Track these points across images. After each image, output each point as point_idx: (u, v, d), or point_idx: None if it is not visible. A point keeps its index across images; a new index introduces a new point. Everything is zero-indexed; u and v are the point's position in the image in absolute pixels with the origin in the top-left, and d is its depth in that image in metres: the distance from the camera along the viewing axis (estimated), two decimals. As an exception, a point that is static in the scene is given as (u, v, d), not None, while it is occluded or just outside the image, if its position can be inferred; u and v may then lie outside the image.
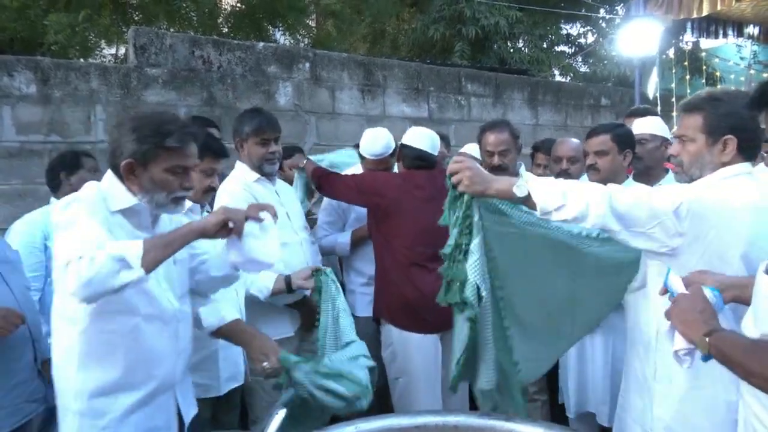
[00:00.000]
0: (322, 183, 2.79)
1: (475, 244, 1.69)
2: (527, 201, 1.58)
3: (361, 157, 2.96)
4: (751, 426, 1.23)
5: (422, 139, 2.72)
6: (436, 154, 2.76)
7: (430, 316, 2.43)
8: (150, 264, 1.38)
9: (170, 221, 1.71)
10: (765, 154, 2.55)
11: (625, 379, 1.93)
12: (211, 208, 2.33)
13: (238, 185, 2.55)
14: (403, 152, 2.72)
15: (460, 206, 1.69)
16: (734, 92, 1.68)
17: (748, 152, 1.66)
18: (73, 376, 1.52)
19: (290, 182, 3.05)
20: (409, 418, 1.53)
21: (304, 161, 3.00)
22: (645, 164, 2.75)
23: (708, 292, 1.25)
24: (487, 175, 1.65)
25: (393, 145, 2.91)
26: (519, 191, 1.55)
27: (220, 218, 1.55)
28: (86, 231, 1.40)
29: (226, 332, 1.81)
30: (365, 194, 2.65)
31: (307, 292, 2.40)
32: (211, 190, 2.19)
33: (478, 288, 1.69)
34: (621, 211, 1.52)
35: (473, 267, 1.69)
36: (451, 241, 1.72)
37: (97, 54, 6.76)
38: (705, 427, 1.60)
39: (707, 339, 1.14)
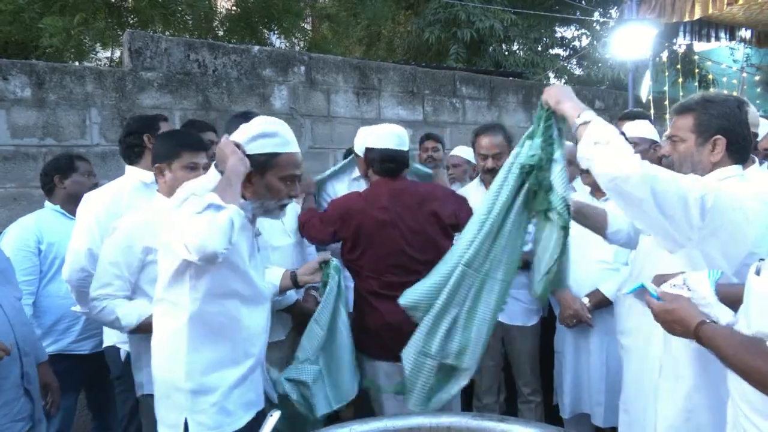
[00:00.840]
0: (303, 230, 2.53)
1: (559, 154, 1.77)
2: (579, 129, 1.64)
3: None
4: (740, 427, 1.25)
5: (386, 137, 2.40)
6: (406, 149, 2.43)
7: (397, 345, 2.10)
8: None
9: None
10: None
11: (625, 379, 1.94)
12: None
13: None
14: (370, 156, 2.43)
15: (542, 119, 1.79)
16: (726, 95, 1.72)
17: (737, 155, 1.68)
18: (183, 358, 1.64)
19: None
20: (402, 419, 1.54)
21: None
22: None
23: (705, 280, 1.28)
24: (570, 94, 1.75)
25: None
26: (584, 116, 1.63)
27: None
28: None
29: (145, 329, 1.85)
30: (330, 225, 2.37)
31: (299, 296, 2.41)
32: None
33: (565, 198, 1.75)
34: (658, 186, 1.47)
35: (559, 176, 1.76)
36: (534, 151, 1.78)
37: (93, 57, 6.74)
38: (710, 424, 1.61)
39: (699, 330, 1.20)
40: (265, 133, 1.68)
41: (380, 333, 2.30)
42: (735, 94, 9.93)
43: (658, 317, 1.34)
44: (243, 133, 1.70)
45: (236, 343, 1.70)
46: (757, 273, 1.20)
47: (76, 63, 5.77)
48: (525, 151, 1.81)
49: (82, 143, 3.69)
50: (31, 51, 5.70)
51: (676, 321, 1.29)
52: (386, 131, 2.44)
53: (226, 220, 1.46)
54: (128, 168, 2.50)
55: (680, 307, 1.28)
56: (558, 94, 1.75)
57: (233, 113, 4.28)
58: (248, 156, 1.64)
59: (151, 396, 2.01)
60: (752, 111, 2.67)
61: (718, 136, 1.65)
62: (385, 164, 2.39)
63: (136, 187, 2.35)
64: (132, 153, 2.44)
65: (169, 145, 2.06)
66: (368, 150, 2.44)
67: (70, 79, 3.69)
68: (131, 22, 6.32)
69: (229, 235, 1.47)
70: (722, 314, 1.25)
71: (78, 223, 2.26)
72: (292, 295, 2.41)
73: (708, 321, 1.23)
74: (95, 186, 2.62)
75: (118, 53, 6.75)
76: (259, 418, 1.73)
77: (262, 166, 1.66)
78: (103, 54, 7.11)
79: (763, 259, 1.20)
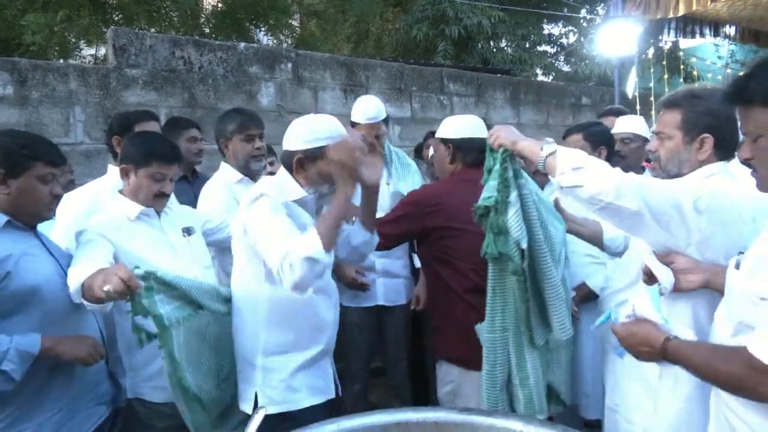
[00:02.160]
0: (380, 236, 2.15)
1: (514, 196, 1.76)
2: (548, 161, 1.58)
3: (353, 126, 2.79)
4: (723, 416, 1.26)
5: (475, 127, 2.32)
6: None
7: None
8: (329, 247, 1.64)
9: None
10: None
11: (616, 380, 1.89)
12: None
13: (219, 187, 2.54)
14: (461, 147, 2.28)
15: (496, 160, 1.78)
16: (713, 90, 1.67)
17: (724, 152, 1.65)
18: (260, 337, 1.79)
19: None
20: (390, 414, 1.54)
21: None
22: (627, 163, 2.81)
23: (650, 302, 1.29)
24: (519, 133, 1.75)
25: (385, 113, 2.87)
26: (547, 149, 1.58)
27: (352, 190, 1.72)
28: (279, 227, 1.67)
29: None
30: (418, 217, 2.22)
31: None
32: (162, 196, 2.04)
33: (518, 242, 1.74)
34: (650, 195, 1.44)
35: (514, 218, 1.74)
36: (491, 193, 1.76)
37: (77, 55, 6.66)
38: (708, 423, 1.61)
39: (666, 346, 1.22)
40: (315, 129, 1.81)
41: (466, 338, 2.08)
42: (720, 89, 10.02)
43: (624, 343, 1.34)
44: (291, 134, 1.83)
45: (307, 330, 1.83)
46: (737, 267, 1.22)
47: (61, 60, 5.69)
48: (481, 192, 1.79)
49: (65, 141, 3.65)
50: (14, 49, 5.62)
51: (641, 343, 1.29)
52: (472, 121, 2.37)
53: (322, 271, 1.64)
54: (110, 167, 2.48)
55: (642, 329, 1.28)
56: (510, 134, 1.73)
57: (219, 111, 4.27)
58: (302, 151, 1.79)
59: (135, 400, 2.01)
60: (634, 119, 2.70)
61: (706, 135, 1.62)
62: (480, 155, 2.33)
63: (117, 187, 2.30)
64: (111, 151, 2.44)
65: (141, 151, 2.00)
66: (455, 141, 2.31)
67: (53, 77, 3.64)
68: (116, 19, 6.25)
69: (314, 279, 1.64)
70: (682, 332, 1.27)
71: (57, 223, 2.23)
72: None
73: (672, 337, 1.24)
74: (72, 184, 2.58)
75: (102, 51, 6.68)
76: (328, 407, 1.86)
77: (313, 156, 1.78)
78: (88, 51, 7.03)
79: (742, 253, 1.21)
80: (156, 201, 2.04)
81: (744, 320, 1.15)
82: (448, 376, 2.28)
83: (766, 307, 1.07)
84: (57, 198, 1.77)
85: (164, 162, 2.01)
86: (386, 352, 3.08)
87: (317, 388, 1.87)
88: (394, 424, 1.49)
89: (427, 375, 2.99)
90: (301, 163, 1.80)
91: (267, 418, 1.47)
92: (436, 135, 2.41)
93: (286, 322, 1.80)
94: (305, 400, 1.82)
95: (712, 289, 1.41)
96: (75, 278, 1.67)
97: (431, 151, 2.83)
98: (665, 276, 1.42)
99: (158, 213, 2.08)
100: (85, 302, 1.68)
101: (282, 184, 1.83)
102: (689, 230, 1.45)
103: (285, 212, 1.73)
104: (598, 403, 2.47)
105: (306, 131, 1.81)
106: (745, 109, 1.19)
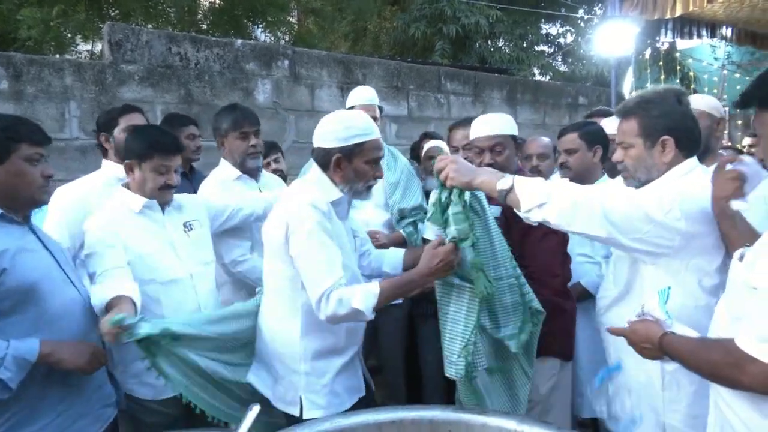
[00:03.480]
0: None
1: (473, 230, 1.74)
2: (509, 197, 1.58)
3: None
4: (719, 408, 1.27)
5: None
6: None
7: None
8: (379, 307, 1.71)
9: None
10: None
11: (617, 389, 1.85)
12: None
13: (216, 184, 2.53)
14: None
15: (449, 199, 1.73)
16: (664, 92, 1.68)
17: (688, 149, 1.66)
18: (297, 343, 1.79)
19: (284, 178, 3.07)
20: (385, 412, 1.54)
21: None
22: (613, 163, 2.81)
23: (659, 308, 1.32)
24: (472, 167, 1.69)
25: (378, 102, 2.99)
26: (503, 183, 1.58)
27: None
28: (327, 253, 1.69)
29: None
30: None
31: None
32: (168, 187, 2.04)
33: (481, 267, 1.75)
34: (616, 218, 1.49)
35: (469, 252, 1.75)
36: (459, 225, 1.72)
37: (73, 50, 6.64)
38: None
39: (663, 341, 1.27)
40: (351, 126, 1.80)
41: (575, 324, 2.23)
42: (716, 91, 10.08)
43: (629, 341, 1.39)
44: (328, 130, 1.82)
45: (344, 333, 1.84)
46: (740, 260, 1.23)
47: (57, 56, 5.67)
48: (451, 225, 1.74)
49: (60, 137, 3.63)
50: (10, 43, 5.59)
51: (642, 340, 1.33)
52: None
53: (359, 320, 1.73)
54: (104, 162, 2.47)
55: (643, 327, 1.33)
56: (462, 173, 1.66)
57: (216, 107, 4.26)
58: (339, 149, 1.78)
59: (125, 394, 1.99)
60: (705, 98, 2.61)
61: (665, 137, 1.63)
62: None
63: (109, 182, 2.29)
64: (101, 148, 2.44)
65: (142, 144, 2.00)
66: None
67: (48, 72, 3.62)
68: (112, 14, 6.23)
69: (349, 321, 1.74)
70: (685, 332, 1.30)
71: (48, 217, 2.21)
72: None
73: (669, 332, 1.28)
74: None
75: (99, 46, 6.65)
76: (361, 403, 1.87)
77: (350, 153, 1.78)
78: (84, 47, 7.00)
79: (749, 245, 1.22)
80: (162, 193, 2.04)
81: (740, 312, 1.16)
82: (551, 370, 2.22)
83: (756, 297, 1.08)
84: (48, 179, 1.71)
85: (165, 154, 2.01)
86: (381, 351, 3.08)
87: (354, 387, 1.90)
88: (389, 422, 1.50)
89: (422, 374, 2.99)
90: (339, 162, 1.80)
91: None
92: (503, 132, 2.25)
93: (325, 327, 1.78)
94: (345, 403, 1.83)
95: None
96: (100, 297, 1.73)
97: (459, 152, 2.78)
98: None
99: (162, 207, 2.07)
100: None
101: (321, 186, 1.82)
102: (669, 234, 1.49)
103: (329, 227, 1.73)
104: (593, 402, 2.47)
105: (342, 128, 1.80)
106: (761, 112, 1.22)
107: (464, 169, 1.67)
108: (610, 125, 2.83)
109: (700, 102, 2.67)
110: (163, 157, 2.00)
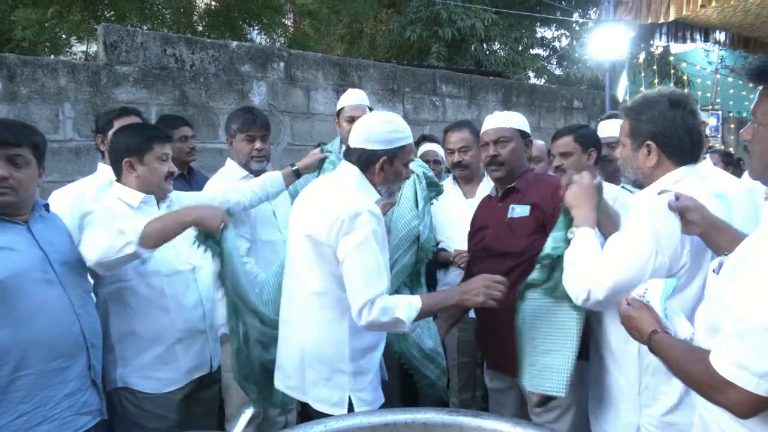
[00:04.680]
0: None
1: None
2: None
3: (338, 114, 2.99)
4: (699, 413, 1.27)
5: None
6: None
7: None
8: (417, 320, 1.77)
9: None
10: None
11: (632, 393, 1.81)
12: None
13: (222, 183, 2.56)
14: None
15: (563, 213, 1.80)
16: (662, 95, 1.68)
17: (678, 156, 1.65)
18: (347, 344, 1.80)
19: None
20: (379, 415, 1.54)
21: None
22: (614, 167, 2.82)
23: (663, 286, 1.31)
24: (586, 197, 1.71)
25: (368, 104, 3.04)
26: (571, 232, 1.70)
27: None
28: (377, 261, 1.72)
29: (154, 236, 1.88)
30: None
31: None
32: (171, 175, 2.09)
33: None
34: (621, 275, 1.49)
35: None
36: (557, 244, 1.78)
37: (68, 51, 6.62)
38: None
39: (651, 338, 1.25)
40: (396, 129, 1.86)
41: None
42: (709, 95, 10.14)
43: (622, 322, 1.37)
44: (373, 133, 1.84)
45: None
46: (715, 271, 1.22)
47: (51, 57, 5.65)
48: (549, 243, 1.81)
49: (55, 138, 3.61)
50: (4, 44, 5.57)
51: (634, 328, 1.33)
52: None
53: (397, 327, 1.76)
54: (100, 165, 2.47)
55: (639, 316, 1.31)
56: (572, 198, 1.72)
57: (211, 109, 4.25)
58: (385, 151, 1.83)
59: (125, 389, 1.98)
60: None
61: (649, 141, 1.65)
62: None
63: (104, 185, 2.28)
64: (98, 150, 2.46)
65: (139, 139, 2.02)
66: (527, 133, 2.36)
67: (42, 73, 3.61)
68: (107, 15, 6.22)
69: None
70: (681, 328, 1.28)
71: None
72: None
73: (660, 331, 1.26)
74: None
75: (94, 47, 6.63)
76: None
77: (393, 156, 1.84)
78: (79, 48, 6.98)
79: (726, 254, 1.21)
80: (167, 183, 2.08)
81: (715, 323, 1.16)
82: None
83: (731, 319, 1.07)
84: (2, 180, 1.66)
85: (162, 142, 2.06)
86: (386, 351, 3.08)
87: (382, 380, 1.98)
88: (383, 425, 1.49)
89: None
90: (383, 164, 1.83)
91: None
92: (511, 126, 2.26)
93: None
94: (382, 396, 1.91)
95: (707, 242, 1.46)
96: (125, 236, 1.77)
97: (454, 155, 2.83)
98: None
99: (158, 203, 2.08)
100: (143, 250, 1.77)
101: (365, 190, 1.84)
102: (677, 260, 1.50)
103: (383, 234, 1.78)
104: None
105: (388, 131, 1.84)
106: (764, 93, 1.19)
107: (575, 195, 1.72)
108: (606, 128, 2.84)
109: (614, 128, 2.76)
110: (162, 145, 2.05)
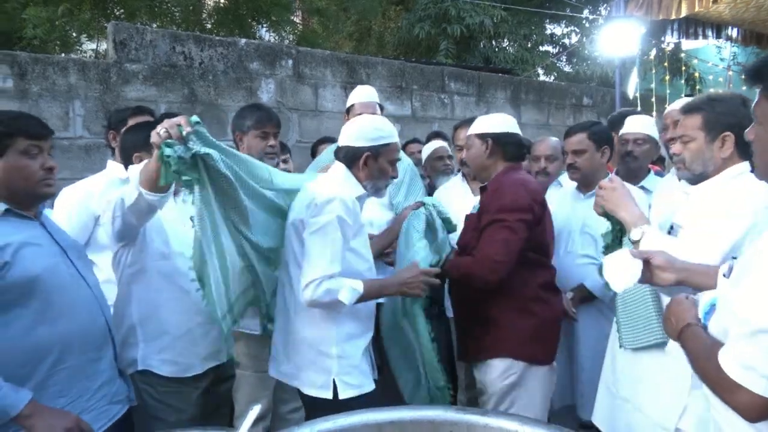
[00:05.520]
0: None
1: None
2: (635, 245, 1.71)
3: (347, 112, 2.99)
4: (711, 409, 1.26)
5: (511, 123, 2.31)
6: None
7: (555, 343, 2.25)
8: (357, 300, 1.89)
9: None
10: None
11: (635, 376, 1.90)
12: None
13: None
14: (501, 141, 2.23)
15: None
16: (731, 94, 1.78)
17: (744, 150, 1.70)
18: (333, 327, 1.91)
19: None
20: (385, 412, 1.53)
21: None
22: (639, 164, 2.80)
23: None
24: (623, 198, 1.79)
25: (378, 101, 3.04)
26: (635, 234, 1.71)
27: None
28: (333, 248, 1.84)
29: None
30: (530, 211, 2.12)
31: None
32: None
33: None
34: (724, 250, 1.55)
35: None
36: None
37: (78, 49, 6.66)
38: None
39: (683, 330, 1.25)
40: (380, 128, 2.01)
41: (553, 330, 2.24)
42: (721, 92, 10.01)
43: (669, 305, 1.36)
44: (358, 131, 1.99)
45: (365, 316, 2.02)
46: (725, 275, 1.21)
47: (62, 55, 5.69)
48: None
49: (65, 135, 3.65)
50: (15, 42, 5.61)
51: (675, 314, 1.32)
52: (509, 119, 2.35)
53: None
54: (110, 162, 2.49)
55: (688, 308, 1.30)
56: (613, 200, 1.80)
57: (219, 106, 4.27)
58: (368, 148, 1.97)
59: (147, 372, 1.98)
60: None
61: (727, 133, 1.70)
62: (522, 150, 2.36)
63: (112, 182, 2.30)
64: (109, 146, 2.46)
65: (147, 135, 2.01)
66: (501, 135, 2.25)
67: (53, 70, 3.63)
68: (117, 13, 6.25)
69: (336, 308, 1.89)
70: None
71: (52, 217, 2.23)
72: None
73: (695, 325, 1.24)
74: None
75: (103, 45, 6.67)
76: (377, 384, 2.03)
77: (377, 153, 1.98)
78: (89, 46, 7.03)
79: (735, 258, 1.21)
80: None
81: (725, 327, 1.15)
82: (510, 370, 2.20)
83: (738, 323, 1.06)
84: (51, 171, 1.70)
85: None
86: (381, 349, 3.08)
87: (371, 368, 2.04)
88: (389, 422, 1.49)
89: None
90: (366, 160, 1.97)
91: (341, 402, 1.82)
92: (470, 132, 2.29)
93: (351, 312, 1.94)
94: (371, 382, 1.98)
95: (688, 286, 1.45)
96: (127, 187, 1.77)
97: (462, 152, 2.76)
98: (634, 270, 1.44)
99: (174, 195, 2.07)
100: (147, 193, 1.71)
101: (349, 183, 1.98)
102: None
103: (350, 224, 1.88)
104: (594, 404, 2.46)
105: (371, 129, 1.99)
106: (764, 93, 1.20)
107: (615, 198, 1.80)
108: (632, 124, 2.81)
109: (641, 125, 2.82)
110: None
